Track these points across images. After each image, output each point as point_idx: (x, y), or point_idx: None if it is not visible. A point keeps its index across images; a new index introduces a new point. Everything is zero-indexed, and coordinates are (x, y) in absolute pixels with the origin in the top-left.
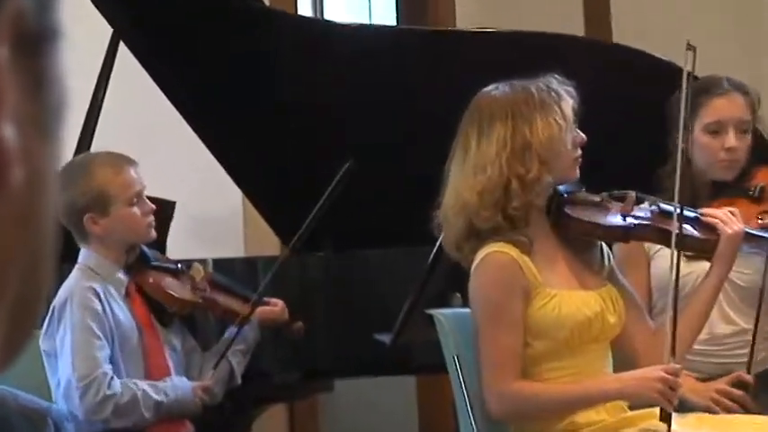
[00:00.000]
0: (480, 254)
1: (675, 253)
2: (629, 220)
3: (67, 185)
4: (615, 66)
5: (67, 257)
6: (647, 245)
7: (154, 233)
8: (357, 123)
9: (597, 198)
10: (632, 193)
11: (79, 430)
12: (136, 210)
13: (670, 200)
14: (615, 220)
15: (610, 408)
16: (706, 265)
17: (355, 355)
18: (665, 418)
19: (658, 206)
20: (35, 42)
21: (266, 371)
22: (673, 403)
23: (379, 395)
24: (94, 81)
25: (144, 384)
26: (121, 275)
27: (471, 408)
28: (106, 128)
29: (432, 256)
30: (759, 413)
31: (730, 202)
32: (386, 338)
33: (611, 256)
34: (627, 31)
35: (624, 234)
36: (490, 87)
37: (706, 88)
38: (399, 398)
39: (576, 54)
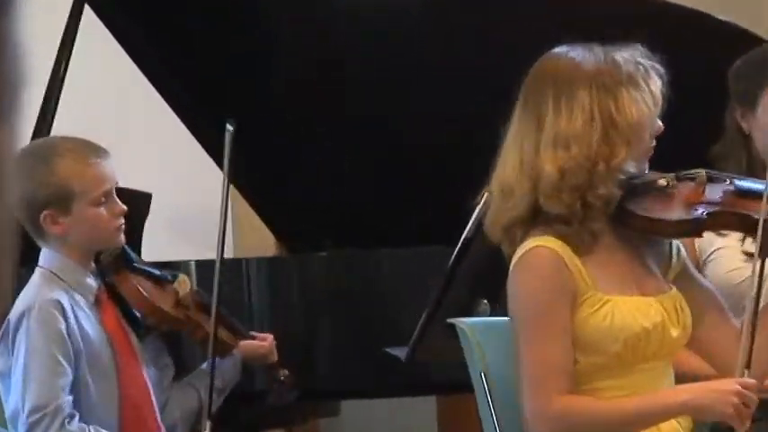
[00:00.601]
0: (526, 245)
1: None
2: (700, 208)
3: (25, 175)
4: (668, 27)
5: (27, 259)
6: (698, 247)
7: (122, 238)
8: (359, 111)
9: (662, 182)
10: (703, 173)
11: None
12: (103, 210)
13: None
14: (683, 211)
15: (664, 430)
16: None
17: (364, 371)
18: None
19: (736, 185)
20: None
21: (260, 391)
22: (745, 424)
23: (392, 419)
24: (54, 54)
25: None
26: (90, 281)
27: (501, 431)
28: (69, 108)
29: (454, 256)
30: None
31: None
32: (400, 353)
33: (681, 249)
34: None
35: (695, 227)
36: (563, 49)
37: None
38: (417, 421)
39: (623, 13)
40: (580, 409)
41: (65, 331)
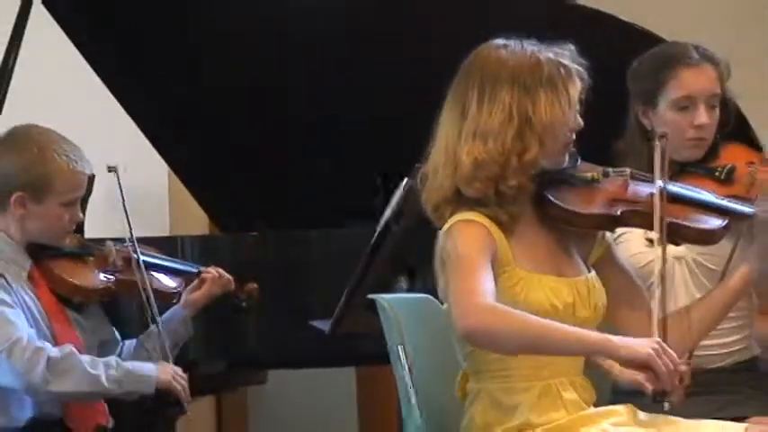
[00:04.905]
0: (453, 219)
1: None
2: (618, 206)
3: (18, 151)
4: (576, 28)
5: None
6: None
7: (66, 241)
8: (295, 97)
9: (589, 176)
10: (627, 171)
11: (31, 392)
12: (65, 213)
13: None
14: (601, 206)
15: (569, 405)
16: (673, 249)
17: (290, 343)
18: (661, 394)
19: (658, 187)
20: None
21: (190, 359)
22: (663, 373)
23: (315, 387)
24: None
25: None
26: (23, 259)
27: (417, 401)
28: (19, 89)
29: (374, 237)
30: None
31: (695, 183)
32: (324, 326)
33: (607, 235)
34: None
35: (608, 223)
36: (498, 42)
37: (674, 58)
38: (338, 390)
39: (531, 13)
40: (506, 309)
41: (10, 291)
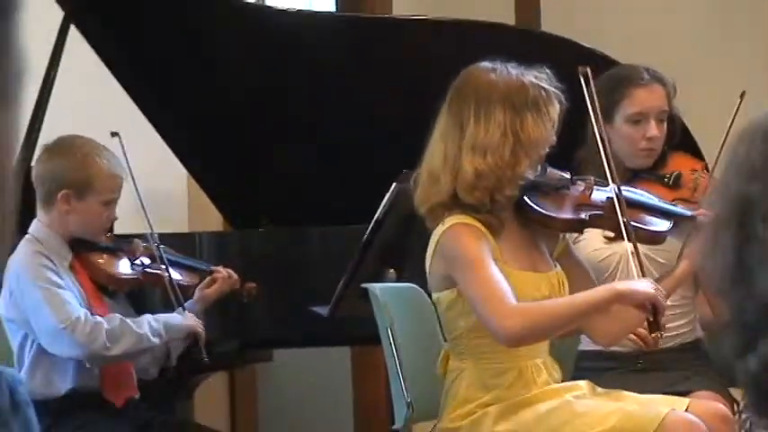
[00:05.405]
0: (450, 220)
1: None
2: (585, 211)
3: (65, 155)
4: (543, 53)
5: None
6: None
7: (103, 238)
8: (297, 107)
9: (558, 183)
10: (591, 179)
11: (91, 360)
12: (104, 211)
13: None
14: (571, 211)
15: (541, 384)
16: (626, 245)
17: (293, 326)
18: (657, 326)
19: (616, 193)
20: None
21: (207, 340)
22: (662, 305)
23: (315, 365)
24: (47, 60)
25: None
26: (66, 251)
27: (403, 377)
28: (57, 103)
29: (367, 233)
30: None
31: (646, 188)
32: (323, 311)
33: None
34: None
35: (579, 226)
36: (485, 65)
37: (627, 79)
38: (335, 367)
39: (505, 41)
40: (534, 305)
41: (57, 273)
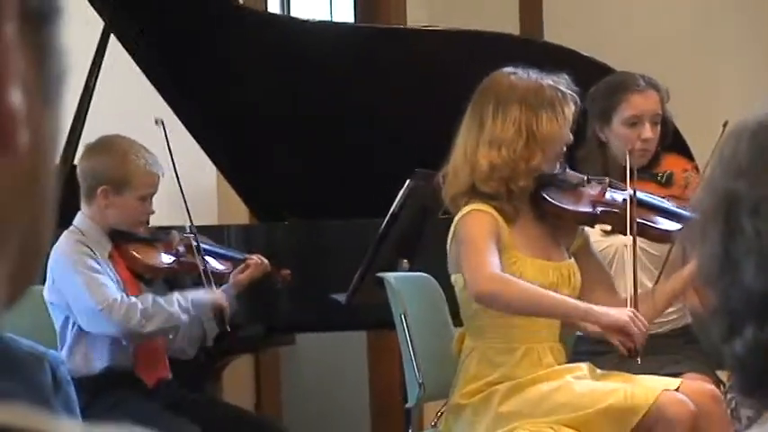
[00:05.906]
0: (468, 207)
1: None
2: (599, 207)
3: (105, 154)
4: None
5: (61, 223)
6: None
7: (141, 229)
8: (316, 109)
9: (576, 181)
10: (606, 180)
11: (128, 337)
12: (141, 206)
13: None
14: (585, 206)
15: (546, 366)
16: (622, 238)
17: (314, 312)
18: (634, 352)
19: (629, 194)
20: (39, 17)
21: (234, 325)
22: (637, 334)
23: (335, 348)
24: (87, 67)
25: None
26: (106, 241)
27: (415, 359)
28: (104, 89)
29: (383, 226)
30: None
31: (641, 186)
32: (341, 298)
33: (585, 230)
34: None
35: (590, 220)
36: (508, 70)
37: (624, 85)
38: (352, 351)
39: (511, 51)
40: (514, 280)
41: (96, 260)
